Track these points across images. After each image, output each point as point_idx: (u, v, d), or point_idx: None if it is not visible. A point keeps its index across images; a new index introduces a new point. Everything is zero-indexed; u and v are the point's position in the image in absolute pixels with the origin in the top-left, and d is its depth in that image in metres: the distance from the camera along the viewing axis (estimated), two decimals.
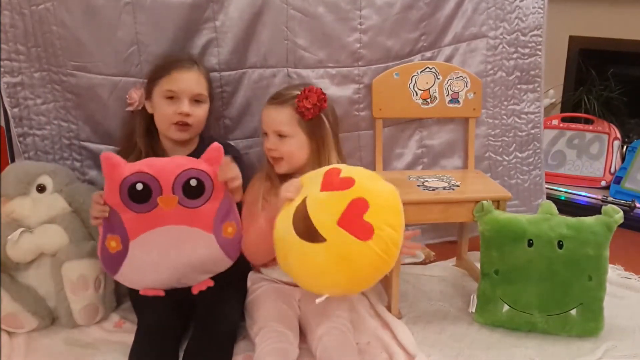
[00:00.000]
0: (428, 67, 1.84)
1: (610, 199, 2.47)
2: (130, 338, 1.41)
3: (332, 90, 1.73)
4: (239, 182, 1.41)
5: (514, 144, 2.00)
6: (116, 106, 1.67)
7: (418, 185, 1.72)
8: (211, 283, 1.43)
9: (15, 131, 1.71)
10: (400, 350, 1.46)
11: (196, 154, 1.53)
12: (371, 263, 1.24)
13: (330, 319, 1.41)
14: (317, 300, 1.26)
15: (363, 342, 1.50)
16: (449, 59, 1.89)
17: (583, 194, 2.58)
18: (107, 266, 1.39)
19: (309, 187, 1.31)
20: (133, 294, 1.48)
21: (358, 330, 1.52)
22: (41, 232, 1.52)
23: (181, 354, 1.39)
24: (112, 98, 1.67)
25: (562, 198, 2.56)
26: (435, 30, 1.85)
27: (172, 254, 1.36)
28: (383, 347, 1.49)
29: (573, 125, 2.78)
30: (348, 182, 1.26)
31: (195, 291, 1.42)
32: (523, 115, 1.99)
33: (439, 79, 1.86)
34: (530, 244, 1.51)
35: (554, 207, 1.56)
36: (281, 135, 1.52)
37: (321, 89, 1.55)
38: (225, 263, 1.43)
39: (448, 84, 1.86)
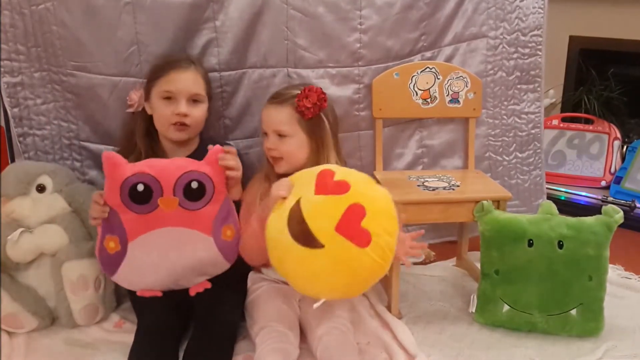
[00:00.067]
0: (428, 67, 1.84)
1: (610, 199, 2.47)
2: (130, 338, 1.41)
3: (332, 90, 1.73)
4: (237, 173, 1.40)
5: (514, 144, 2.00)
6: (116, 106, 1.67)
7: (418, 185, 1.72)
8: (208, 285, 1.43)
9: (15, 131, 1.71)
10: (401, 351, 1.46)
11: (196, 154, 1.53)
12: (368, 269, 1.25)
13: (331, 319, 1.41)
14: (315, 305, 1.28)
15: (363, 342, 1.50)
16: (449, 59, 1.89)
17: (583, 194, 2.57)
18: (106, 267, 1.38)
19: (301, 188, 1.30)
20: (133, 294, 1.48)
21: (358, 330, 1.52)
22: (41, 232, 1.52)
23: (181, 354, 1.39)
24: (112, 98, 1.67)
25: (562, 198, 2.55)
26: (435, 30, 1.85)
27: (171, 255, 1.36)
28: (383, 347, 1.49)
29: (573, 125, 2.78)
30: (343, 186, 1.25)
31: (192, 293, 1.42)
32: (523, 115, 1.99)
33: (439, 79, 1.85)
34: (530, 244, 1.51)
35: (554, 207, 1.56)
36: (281, 135, 1.52)
37: (321, 89, 1.55)
38: (223, 266, 1.43)
39: (448, 84, 1.86)
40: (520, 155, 2.02)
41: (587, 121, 2.76)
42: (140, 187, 1.31)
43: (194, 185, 1.34)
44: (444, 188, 1.70)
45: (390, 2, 1.75)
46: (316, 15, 1.70)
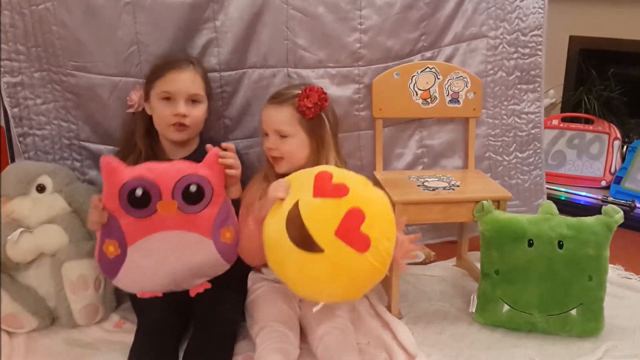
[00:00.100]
0: (428, 67, 1.84)
1: (610, 199, 2.47)
2: (130, 338, 1.41)
3: (332, 90, 1.73)
4: (236, 172, 1.40)
5: (514, 144, 2.00)
6: (116, 106, 1.67)
7: (418, 185, 1.72)
8: (208, 285, 1.42)
9: (15, 131, 1.71)
10: (401, 350, 1.46)
11: (196, 154, 1.54)
12: (367, 274, 1.26)
13: (331, 319, 1.41)
14: (314, 309, 1.29)
15: (363, 342, 1.50)
16: (449, 59, 1.89)
17: (583, 194, 2.57)
18: (106, 271, 1.38)
19: (299, 189, 1.30)
20: (133, 294, 1.48)
21: (358, 330, 1.51)
22: (41, 232, 1.52)
23: (181, 354, 1.39)
24: (112, 98, 1.67)
25: (562, 198, 2.56)
26: (435, 30, 1.85)
27: (170, 259, 1.36)
28: (383, 347, 1.49)
29: (573, 125, 2.78)
30: (342, 190, 1.25)
31: (192, 294, 1.41)
32: (523, 115, 1.98)
33: (439, 79, 1.85)
34: (530, 244, 1.51)
35: (554, 207, 1.56)
36: (281, 135, 1.53)
37: (322, 89, 1.55)
38: (222, 267, 1.42)
39: (448, 84, 1.86)
40: (520, 155, 2.02)
41: (587, 121, 2.76)
42: (139, 192, 1.30)
43: (193, 188, 1.33)
44: (444, 188, 1.70)
45: (390, 2, 1.75)
46: (316, 15, 1.70)
